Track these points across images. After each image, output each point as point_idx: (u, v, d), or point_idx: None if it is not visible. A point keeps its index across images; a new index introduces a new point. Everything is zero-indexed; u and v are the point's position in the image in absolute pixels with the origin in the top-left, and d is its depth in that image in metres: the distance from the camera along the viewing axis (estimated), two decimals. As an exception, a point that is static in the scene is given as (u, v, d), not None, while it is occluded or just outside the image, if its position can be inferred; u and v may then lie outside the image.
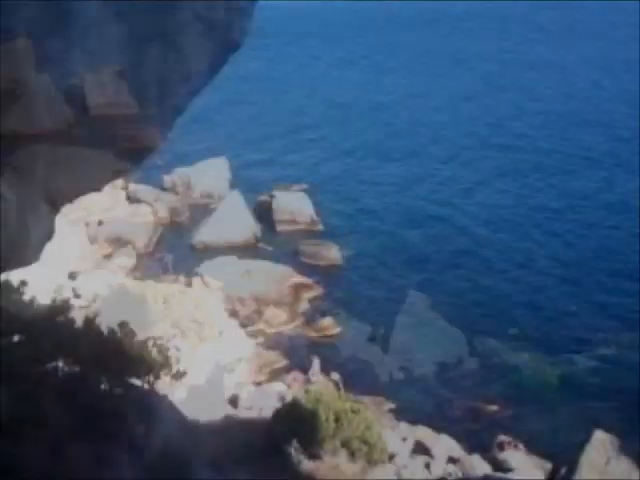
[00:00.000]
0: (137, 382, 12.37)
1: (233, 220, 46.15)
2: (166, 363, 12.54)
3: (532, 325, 34.92)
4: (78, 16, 5.87)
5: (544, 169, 60.30)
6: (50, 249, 7.36)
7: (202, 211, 51.27)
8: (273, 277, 38.00)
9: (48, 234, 6.96)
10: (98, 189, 7.32)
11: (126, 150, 6.67)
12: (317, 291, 38.51)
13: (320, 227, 48.32)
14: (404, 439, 25.33)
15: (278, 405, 22.79)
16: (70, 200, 7.05)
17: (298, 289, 37.84)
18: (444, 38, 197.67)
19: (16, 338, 10.72)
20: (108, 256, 40.96)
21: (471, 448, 25.97)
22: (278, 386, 28.34)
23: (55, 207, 6.83)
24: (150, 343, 12.51)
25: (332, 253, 42.85)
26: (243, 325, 33.89)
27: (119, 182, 47.97)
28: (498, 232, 46.88)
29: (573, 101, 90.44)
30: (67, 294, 22.27)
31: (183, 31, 6.99)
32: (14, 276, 10.88)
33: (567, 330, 34.30)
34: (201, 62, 7.48)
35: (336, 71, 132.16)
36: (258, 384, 29.10)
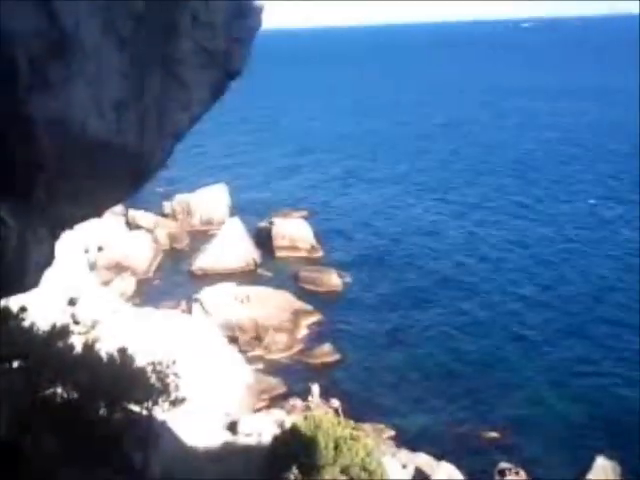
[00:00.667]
0: (136, 408, 12.34)
1: (233, 246, 46.25)
2: (165, 389, 12.49)
3: (531, 353, 34.81)
4: (79, 44, 5.96)
5: (529, 195, 60.73)
6: (49, 275, 7.40)
7: (202, 237, 51.49)
8: (272, 303, 37.98)
9: (48, 260, 7.00)
10: (99, 215, 7.38)
11: (126, 177, 6.76)
12: (317, 317, 38.51)
13: (320, 254, 48.49)
14: (404, 466, 25.17)
15: (277, 431, 22.66)
16: (71, 226, 7.10)
17: (298, 315, 37.82)
18: (432, 66, 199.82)
19: (15, 364, 10.72)
20: (108, 282, 40.96)
21: (472, 475, 25.83)
22: (277, 412, 28.20)
23: (56, 233, 6.88)
24: (149, 369, 12.46)
25: (332, 280, 42.89)
26: (242, 351, 33.82)
27: (119, 208, 48.17)
28: (488, 260, 47.08)
29: (560, 130, 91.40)
30: (66, 320, 22.23)
31: (184, 60, 7.09)
32: (13, 302, 10.90)
33: (567, 359, 34.18)
34: (201, 90, 7.57)
35: (328, 100, 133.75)
36: (257, 410, 28.98)
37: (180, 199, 56.61)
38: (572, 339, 35.91)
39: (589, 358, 34.01)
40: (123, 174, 6.74)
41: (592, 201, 58.48)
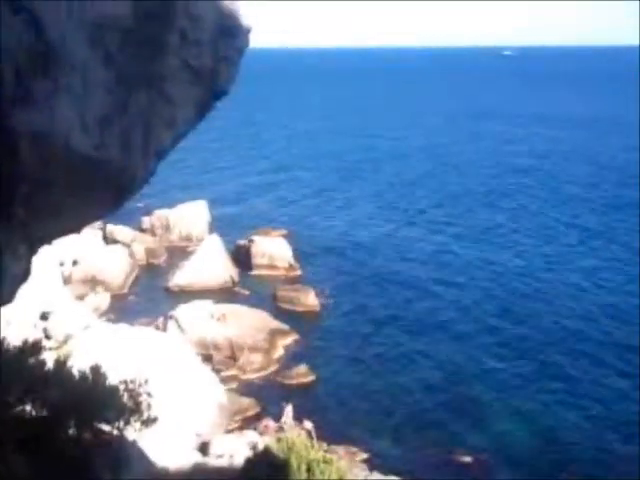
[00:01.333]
0: (107, 428, 12.11)
1: (211, 263, 46.02)
2: (137, 409, 12.27)
3: (506, 380, 34.84)
4: (65, 58, 5.88)
5: (513, 227, 61.25)
6: (22, 288, 7.26)
7: (180, 253, 51.19)
8: (249, 322, 37.75)
9: (25, 275, 6.87)
10: (80, 231, 7.26)
11: (109, 193, 6.65)
12: (293, 337, 38.33)
13: (298, 272, 48.41)
14: (377, 490, 24.99)
15: (250, 453, 22.42)
16: (50, 242, 6.98)
17: (274, 335, 37.60)
18: (412, 90, 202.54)
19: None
20: (82, 296, 40.50)
21: (444, 500, 25.71)
22: (250, 434, 27.91)
23: (35, 249, 6.75)
24: (122, 387, 12.25)
25: (309, 299, 42.78)
26: (216, 370, 33.52)
27: (96, 222, 47.75)
28: (469, 285, 47.26)
29: (548, 160, 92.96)
30: (38, 335, 21.91)
31: (170, 77, 7.03)
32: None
33: (543, 385, 34.26)
34: (187, 108, 7.51)
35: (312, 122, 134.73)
36: (230, 431, 28.68)
37: (159, 214, 56.32)
38: (547, 368, 36.00)
39: (564, 388, 34.11)
40: (106, 190, 6.64)
41: (558, 227, 59.31)
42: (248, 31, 8.25)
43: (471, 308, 43.06)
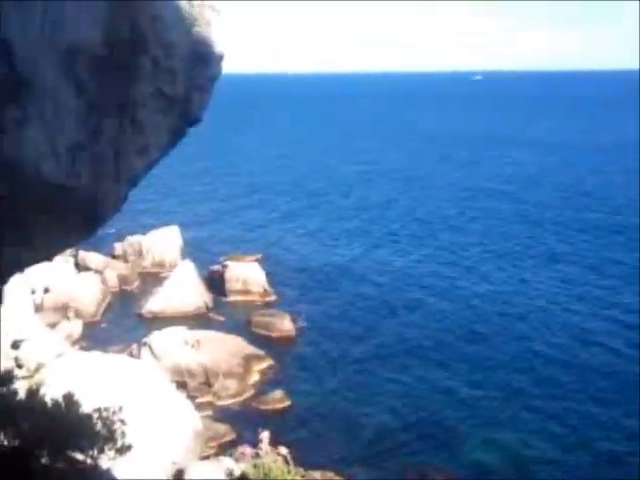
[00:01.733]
0: (80, 456, 11.95)
1: (184, 289, 45.76)
2: (111, 437, 12.12)
3: (477, 403, 34.88)
4: (36, 86, 5.90)
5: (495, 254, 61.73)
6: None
7: (153, 280, 50.84)
8: (223, 348, 37.52)
9: (-5, 304, 6.81)
10: (52, 259, 7.23)
11: (81, 221, 6.64)
12: (268, 363, 38.13)
13: (273, 297, 48.29)
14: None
15: (225, 480, 22.22)
16: (22, 270, 6.94)
17: (249, 360, 37.39)
18: (385, 114, 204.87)
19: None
20: (54, 324, 40.02)
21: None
22: (226, 460, 27.65)
23: (6, 279, 6.71)
24: (95, 416, 12.10)
25: (284, 324, 42.65)
26: (191, 397, 33.20)
27: (68, 249, 47.33)
28: (440, 309, 47.48)
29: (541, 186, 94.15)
30: (10, 364, 21.61)
31: (142, 104, 7.05)
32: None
33: (512, 409, 34.33)
34: (159, 135, 7.53)
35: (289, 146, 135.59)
36: (205, 458, 28.39)
37: (132, 240, 55.95)
38: (516, 393, 36.15)
39: (533, 412, 34.25)
40: (78, 217, 6.62)
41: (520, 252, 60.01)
42: (221, 58, 8.32)
43: (441, 331, 43.20)
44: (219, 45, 8.15)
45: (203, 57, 7.93)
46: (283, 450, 29.34)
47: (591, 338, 41.59)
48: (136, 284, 51.39)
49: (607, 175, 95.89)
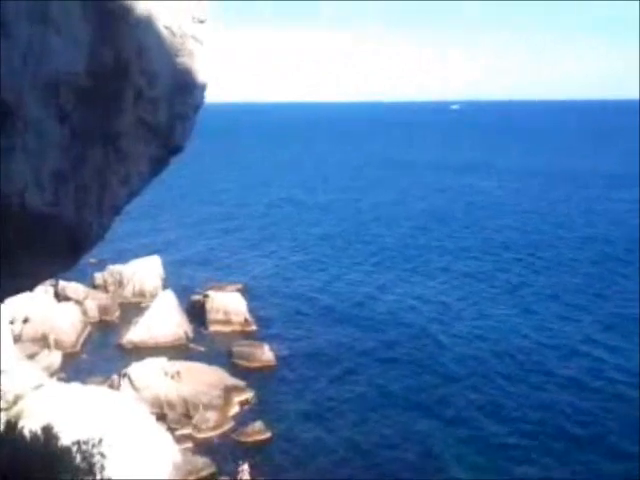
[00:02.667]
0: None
1: (165, 319, 45.47)
2: (90, 470, 11.93)
3: (460, 430, 34.79)
4: (20, 117, 5.89)
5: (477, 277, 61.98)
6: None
7: (133, 310, 50.51)
8: (204, 379, 37.22)
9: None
10: (32, 289, 7.16)
11: (63, 250, 6.59)
12: (249, 394, 37.87)
13: (254, 327, 48.10)
14: None
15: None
16: (2, 300, 6.87)
17: (229, 392, 37.10)
18: (363, 143, 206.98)
19: None
20: (33, 355, 39.55)
21: None
22: (206, 494, 27.31)
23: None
24: (74, 448, 11.92)
25: (265, 354, 42.44)
26: (171, 429, 32.84)
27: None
28: (419, 332, 47.57)
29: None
30: (-13, 395, 21.31)
31: (125, 134, 7.06)
32: None
33: (498, 437, 34.29)
34: (142, 165, 7.53)
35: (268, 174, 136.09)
36: (185, 491, 28.00)
37: (112, 270, 55.65)
38: (506, 422, 36.14)
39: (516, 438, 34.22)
40: (60, 247, 6.58)
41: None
42: (204, 87, 8.36)
43: (420, 356, 43.29)
44: (202, 75, 8.19)
45: (186, 86, 7.96)
46: (263, 482, 29.05)
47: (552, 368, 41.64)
48: (116, 314, 51.01)
49: (572, 202, 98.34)
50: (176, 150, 8.19)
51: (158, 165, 8.00)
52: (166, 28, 7.51)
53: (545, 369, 41.30)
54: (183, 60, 7.87)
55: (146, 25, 7.11)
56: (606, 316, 50.00)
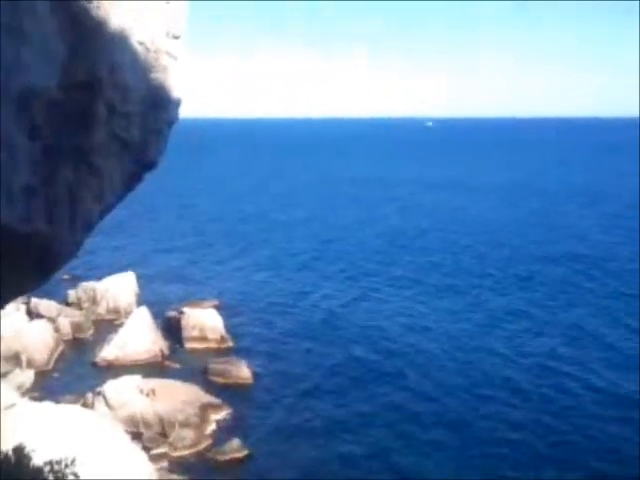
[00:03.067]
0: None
1: (139, 336, 45.07)
2: (63, 491, 11.73)
3: (438, 447, 34.78)
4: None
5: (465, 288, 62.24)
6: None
7: (107, 327, 50.04)
8: (179, 397, 36.88)
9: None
10: (3, 306, 7.03)
11: (34, 267, 6.49)
12: (225, 411, 37.59)
13: (230, 344, 47.84)
14: None
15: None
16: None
17: (206, 409, 36.79)
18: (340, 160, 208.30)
19: None
20: (4, 374, 38.94)
21: None
22: (182, 513, 26.99)
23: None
24: (47, 469, 11.71)
25: (242, 371, 42.19)
26: (146, 448, 32.45)
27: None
28: (399, 352, 47.61)
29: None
30: (-43, 416, 20.95)
31: (98, 149, 6.98)
32: None
33: (480, 455, 34.33)
34: (115, 180, 7.45)
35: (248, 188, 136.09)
36: (160, 512, 27.65)
37: (86, 287, 55.12)
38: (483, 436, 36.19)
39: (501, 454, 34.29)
40: (31, 264, 6.47)
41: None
42: (178, 103, 8.32)
43: (393, 373, 43.36)
44: (176, 90, 8.15)
45: (160, 102, 7.91)
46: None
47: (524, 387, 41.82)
48: (90, 332, 50.49)
49: (545, 217, 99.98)
50: (150, 165, 8.13)
51: (132, 180, 7.93)
52: (140, 44, 7.47)
53: (514, 386, 41.42)
54: (157, 75, 7.83)
55: (120, 40, 7.06)
56: (572, 329, 50.58)
